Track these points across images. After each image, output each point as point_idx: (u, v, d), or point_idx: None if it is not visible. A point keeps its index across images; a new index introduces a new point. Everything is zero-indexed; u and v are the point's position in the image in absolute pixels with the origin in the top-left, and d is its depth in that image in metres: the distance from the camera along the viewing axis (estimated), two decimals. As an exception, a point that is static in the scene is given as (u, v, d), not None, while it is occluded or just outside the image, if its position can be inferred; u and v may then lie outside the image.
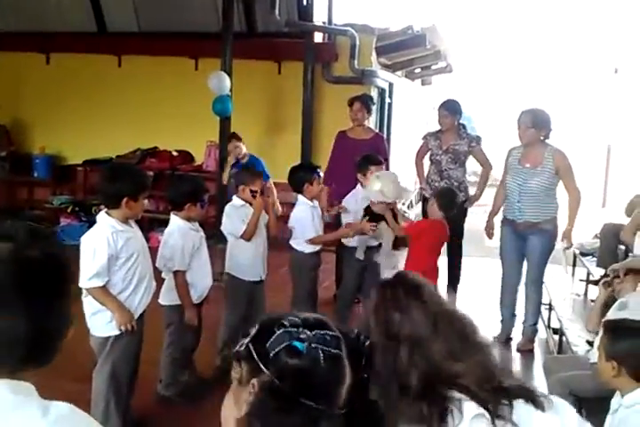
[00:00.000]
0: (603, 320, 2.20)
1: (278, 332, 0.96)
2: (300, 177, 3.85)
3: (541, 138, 4.08)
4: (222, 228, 3.71)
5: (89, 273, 2.64)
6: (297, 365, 0.94)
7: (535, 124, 4.03)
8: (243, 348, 0.98)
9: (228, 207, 3.71)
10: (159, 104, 7.56)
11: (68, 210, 7.31)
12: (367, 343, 1.04)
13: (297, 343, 0.95)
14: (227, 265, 3.68)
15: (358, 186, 4.28)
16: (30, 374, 0.92)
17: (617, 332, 1.96)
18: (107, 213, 2.74)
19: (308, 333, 0.96)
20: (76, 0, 7.53)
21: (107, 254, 2.65)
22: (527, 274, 4.20)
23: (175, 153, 7.58)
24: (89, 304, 2.73)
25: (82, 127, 7.78)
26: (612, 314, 2.42)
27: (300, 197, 3.86)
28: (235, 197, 3.69)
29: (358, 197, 4.25)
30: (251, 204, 3.61)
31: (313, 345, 0.95)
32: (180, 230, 3.19)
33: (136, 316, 2.79)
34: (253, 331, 0.99)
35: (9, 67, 8.08)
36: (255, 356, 0.96)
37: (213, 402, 1.14)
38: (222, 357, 3.51)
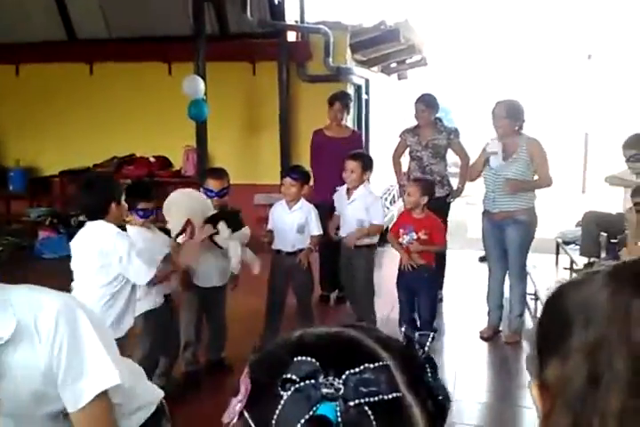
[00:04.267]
0: None
1: (286, 395, 0.56)
2: None
3: (516, 128, 4.10)
4: None
5: (141, 270, 2.66)
6: None
7: (509, 115, 4.05)
8: (236, 419, 0.61)
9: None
10: (134, 111, 7.47)
11: (47, 222, 7.20)
12: (427, 350, 0.63)
13: (324, 410, 0.54)
14: None
15: (344, 186, 4.25)
16: None
17: None
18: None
19: (336, 381, 0.56)
20: (43, 9, 7.40)
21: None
22: (510, 266, 4.21)
23: (152, 159, 7.49)
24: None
25: (56, 138, 7.67)
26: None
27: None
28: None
29: (341, 194, 4.26)
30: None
31: (351, 403, 0.55)
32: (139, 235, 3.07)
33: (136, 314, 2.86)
34: (243, 390, 0.60)
35: (-22, 79, 7.95)
36: None
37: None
38: (185, 358, 3.51)
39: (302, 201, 3.98)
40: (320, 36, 6.69)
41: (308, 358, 0.57)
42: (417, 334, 0.64)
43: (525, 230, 4.11)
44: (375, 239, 4.23)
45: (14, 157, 7.92)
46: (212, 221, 3.28)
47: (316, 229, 3.95)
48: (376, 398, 0.55)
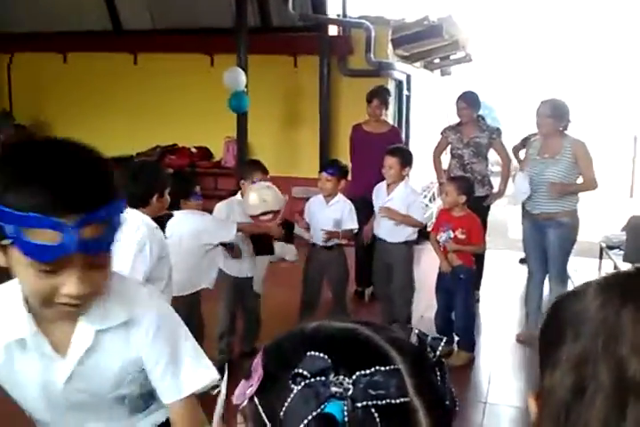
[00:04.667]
0: None
1: (296, 388, 0.56)
2: None
3: (560, 128, 3.98)
4: None
5: (134, 269, 2.57)
6: None
7: (554, 114, 3.94)
8: (247, 402, 0.61)
9: (225, 201, 3.66)
10: (177, 101, 7.56)
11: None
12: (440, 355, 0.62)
13: (331, 408, 0.54)
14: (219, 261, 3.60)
15: (383, 182, 4.19)
16: None
17: None
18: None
19: (346, 380, 0.56)
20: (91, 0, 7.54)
21: (157, 253, 2.60)
22: (550, 268, 4.10)
23: (194, 149, 7.58)
24: None
25: (101, 125, 7.80)
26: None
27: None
28: (238, 194, 3.65)
29: (380, 191, 4.20)
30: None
31: (359, 404, 0.55)
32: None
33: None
34: (255, 376, 0.61)
35: (27, 67, 8.15)
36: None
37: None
38: (218, 349, 3.54)
39: (339, 196, 3.94)
40: (362, 31, 6.63)
41: (321, 355, 0.57)
42: (430, 337, 0.63)
43: (567, 233, 3.99)
44: (414, 236, 4.13)
45: (60, 145, 8.11)
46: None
47: (350, 223, 3.90)
48: (384, 402, 0.55)
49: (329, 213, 3.89)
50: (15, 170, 0.97)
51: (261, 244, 3.54)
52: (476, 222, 3.91)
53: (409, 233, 4.05)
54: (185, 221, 3.16)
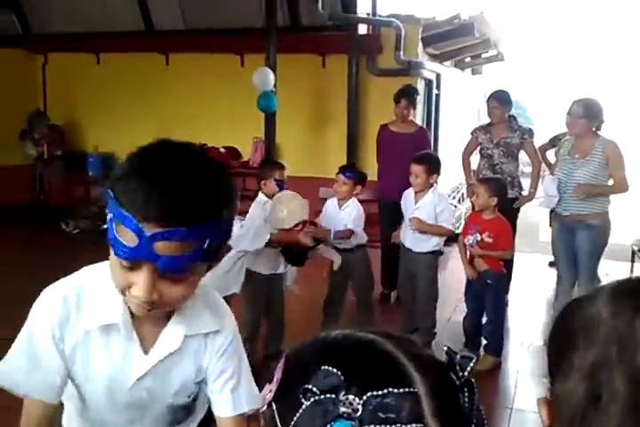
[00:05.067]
0: None
1: (305, 404, 0.55)
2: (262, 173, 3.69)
3: (593, 129, 3.89)
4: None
5: None
6: None
7: (587, 115, 3.84)
8: (266, 406, 0.61)
9: (253, 205, 3.62)
10: (207, 101, 7.62)
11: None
12: (469, 374, 0.58)
13: None
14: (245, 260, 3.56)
15: (411, 189, 4.09)
16: None
17: None
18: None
19: (356, 401, 0.53)
20: (123, 0, 7.64)
21: None
22: (579, 273, 4.01)
23: (223, 150, 7.63)
24: None
25: (132, 125, 7.92)
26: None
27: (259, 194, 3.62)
28: (259, 194, 3.61)
29: (408, 199, 4.13)
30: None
31: None
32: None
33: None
34: (274, 382, 0.61)
35: (61, 67, 8.32)
36: None
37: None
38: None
39: (352, 200, 3.89)
40: (391, 30, 6.58)
41: (334, 370, 0.55)
42: (459, 355, 0.59)
43: (597, 236, 3.90)
44: (440, 246, 4.03)
45: (93, 143, 8.26)
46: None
47: (352, 225, 3.82)
48: (392, 425, 0.52)
49: (343, 217, 3.84)
50: (131, 162, 0.98)
51: (292, 254, 3.56)
52: (506, 226, 3.82)
53: (435, 243, 3.95)
54: None
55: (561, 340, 0.70)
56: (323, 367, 0.56)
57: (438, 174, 4.07)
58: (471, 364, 0.59)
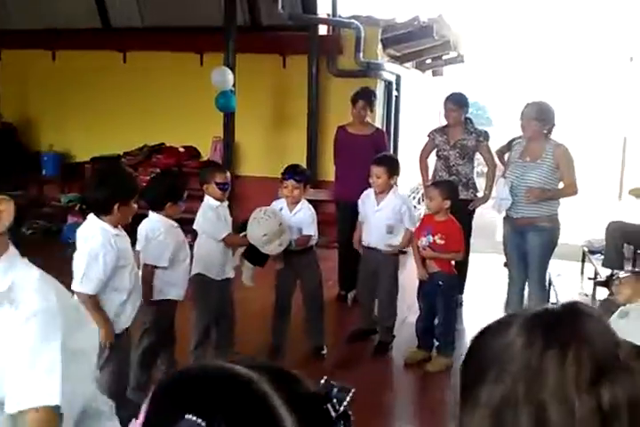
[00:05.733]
0: None
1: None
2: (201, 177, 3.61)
3: (544, 132, 3.96)
4: (197, 227, 3.58)
5: (86, 277, 2.57)
6: None
7: (539, 117, 3.91)
8: None
9: (204, 206, 3.58)
10: (165, 100, 7.51)
11: (76, 208, 7.29)
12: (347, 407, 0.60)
13: None
14: (196, 265, 3.51)
15: (371, 190, 4.12)
16: None
17: None
18: (97, 216, 2.67)
19: None
20: (80, -4, 7.48)
21: (113, 263, 2.58)
22: (529, 274, 4.07)
23: (182, 149, 7.53)
24: None
25: (89, 124, 7.76)
26: (612, 321, 2.32)
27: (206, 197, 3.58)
28: (207, 197, 3.55)
29: (368, 199, 4.14)
30: (221, 200, 3.52)
31: None
32: (164, 227, 3.15)
33: (127, 324, 2.75)
34: (142, 412, 0.59)
35: (16, 64, 8.08)
36: None
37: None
38: (195, 356, 3.47)
39: (303, 202, 3.83)
40: (351, 31, 6.60)
41: (199, 420, 0.53)
42: (336, 389, 0.59)
43: (547, 238, 3.96)
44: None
45: (48, 142, 8.05)
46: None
47: (309, 230, 3.79)
48: None
49: (294, 221, 3.76)
50: None
51: (257, 253, 3.53)
52: (457, 229, 3.87)
53: (399, 241, 4.03)
54: None
55: (472, 370, 0.69)
56: (187, 417, 0.53)
57: (398, 175, 4.12)
58: (348, 397, 0.59)
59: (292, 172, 3.77)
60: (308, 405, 0.58)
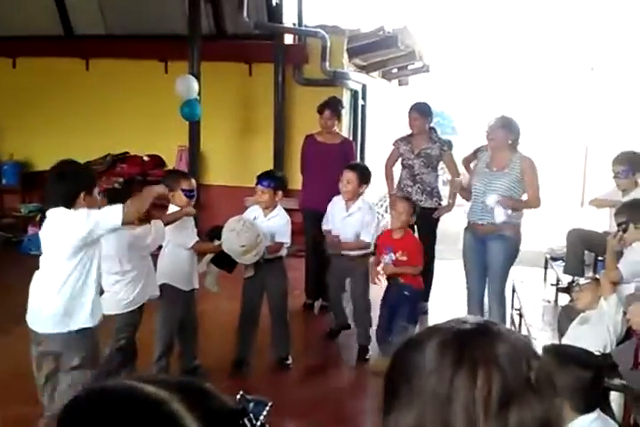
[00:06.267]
0: (542, 345, 2.06)
1: None
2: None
3: (510, 142, 4.01)
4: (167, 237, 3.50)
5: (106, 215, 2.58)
6: None
7: (505, 126, 3.96)
8: None
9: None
10: (129, 108, 7.41)
11: (37, 218, 7.13)
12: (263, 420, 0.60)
13: None
14: (163, 275, 3.45)
15: (340, 197, 4.15)
16: None
17: (558, 359, 1.83)
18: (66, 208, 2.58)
19: None
20: (41, 3, 7.35)
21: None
22: (489, 284, 4.07)
23: (146, 158, 7.42)
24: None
25: (50, 133, 7.61)
26: (573, 328, 2.35)
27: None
28: (171, 206, 3.50)
29: (337, 206, 4.16)
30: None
31: None
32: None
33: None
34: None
35: (-26, 71, 7.90)
36: None
37: None
38: (159, 367, 3.42)
39: (278, 208, 3.81)
40: (317, 40, 6.63)
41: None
42: (252, 403, 0.59)
43: (508, 247, 3.98)
44: (370, 248, 4.17)
45: (8, 151, 7.86)
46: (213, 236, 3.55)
47: (283, 237, 3.77)
48: None
49: (268, 227, 3.74)
50: None
51: (226, 258, 3.50)
52: (416, 243, 3.96)
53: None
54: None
55: (390, 385, 0.69)
56: None
57: (368, 185, 4.14)
58: (264, 411, 0.59)
59: (261, 177, 3.78)
60: (224, 421, 0.56)
